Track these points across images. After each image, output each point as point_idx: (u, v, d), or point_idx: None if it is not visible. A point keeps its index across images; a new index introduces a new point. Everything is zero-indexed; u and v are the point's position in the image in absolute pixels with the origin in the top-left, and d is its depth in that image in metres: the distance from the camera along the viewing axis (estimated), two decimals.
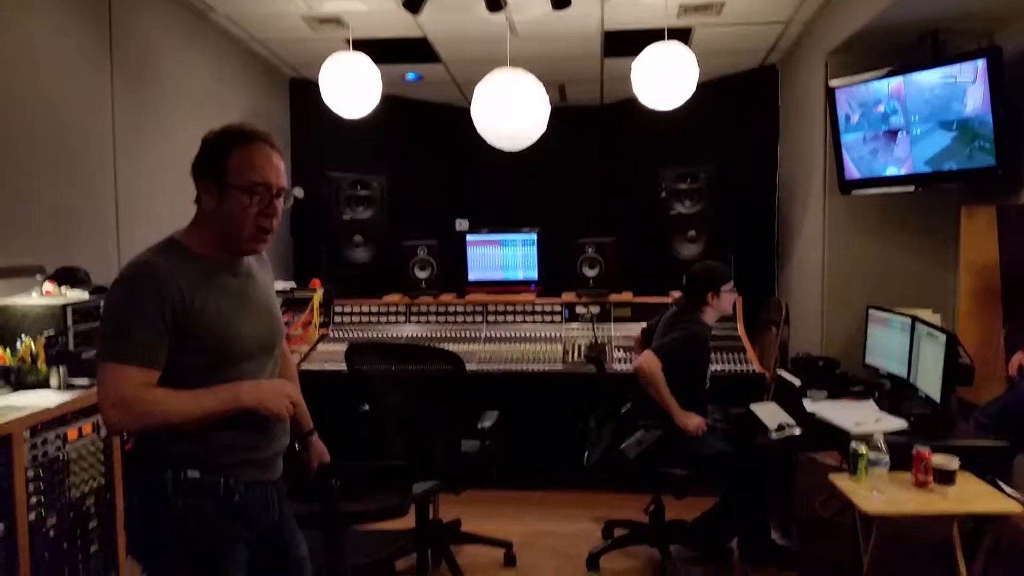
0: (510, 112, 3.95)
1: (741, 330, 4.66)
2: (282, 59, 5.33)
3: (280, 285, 5.04)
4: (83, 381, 2.92)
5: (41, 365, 2.87)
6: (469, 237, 5.16)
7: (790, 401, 3.50)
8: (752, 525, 3.44)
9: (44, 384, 2.86)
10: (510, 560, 3.60)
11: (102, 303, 1.75)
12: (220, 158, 1.82)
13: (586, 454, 3.56)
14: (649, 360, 3.31)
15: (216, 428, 1.75)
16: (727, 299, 3.50)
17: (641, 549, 3.59)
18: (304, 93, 5.54)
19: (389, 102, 4.79)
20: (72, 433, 2.77)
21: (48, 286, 3.11)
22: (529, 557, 3.64)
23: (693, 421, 3.35)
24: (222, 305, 1.79)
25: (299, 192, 5.49)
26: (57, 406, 2.69)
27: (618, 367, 4.30)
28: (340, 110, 4.36)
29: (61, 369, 2.87)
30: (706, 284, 3.45)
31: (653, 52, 3.97)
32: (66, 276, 3.21)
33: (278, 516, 1.92)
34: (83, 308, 3.05)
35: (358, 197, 5.12)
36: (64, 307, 2.96)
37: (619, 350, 4.53)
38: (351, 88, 4.24)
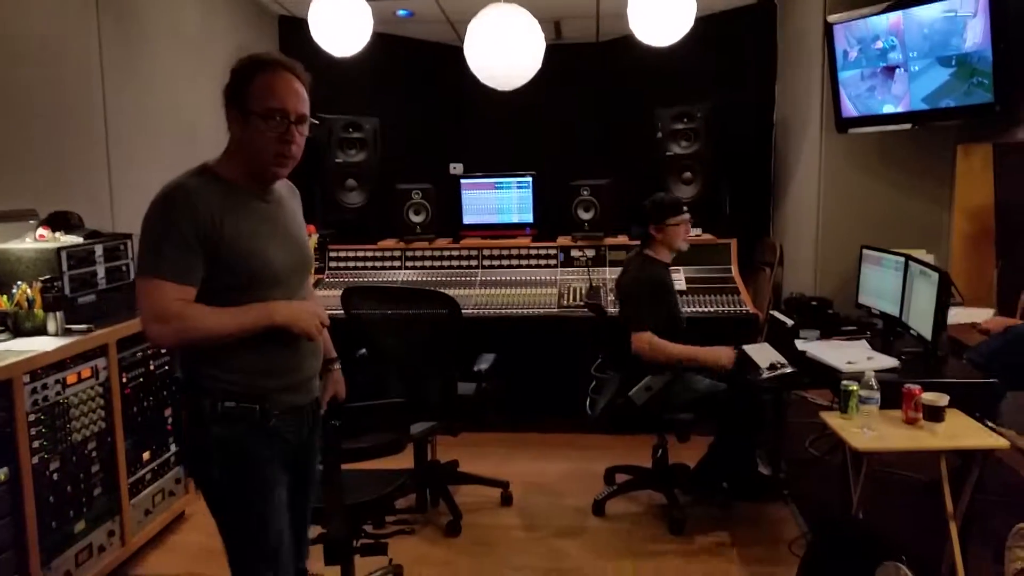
0: (504, 50, 3.88)
1: (735, 271, 4.67)
2: None
3: None
4: (80, 326, 2.93)
5: (38, 310, 2.88)
6: (463, 180, 5.12)
7: (782, 341, 3.52)
8: (741, 461, 3.49)
9: (42, 330, 2.87)
10: (507, 499, 3.67)
11: (142, 224, 1.82)
12: (243, 85, 1.85)
13: (588, 402, 3.59)
14: (638, 341, 3.30)
15: (250, 354, 1.84)
16: (674, 232, 3.44)
17: (643, 493, 3.63)
18: (293, 31, 5.41)
19: (380, 41, 4.69)
20: (71, 377, 2.80)
21: (42, 231, 3.10)
22: (526, 497, 3.72)
23: (723, 354, 3.37)
24: (252, 229, 1.85)
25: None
26: (55, 350, 2.71)
27: (613, 310, 4.32)
28: (330, 48, 4.27)
29: (58, 314, 2.88)
30: (648, 217, 3.44)
31: None
32: (59, 221, 3.19)
33: (307, 435, 2.02)
34: (78, 253, 3.04)
35: (350, 139, 5.05)
36: (59, 251, 2.95)
37: (614, 293, 4.54)
38: (341, 25, 4.14)
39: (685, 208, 3.56)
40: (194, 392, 1.86)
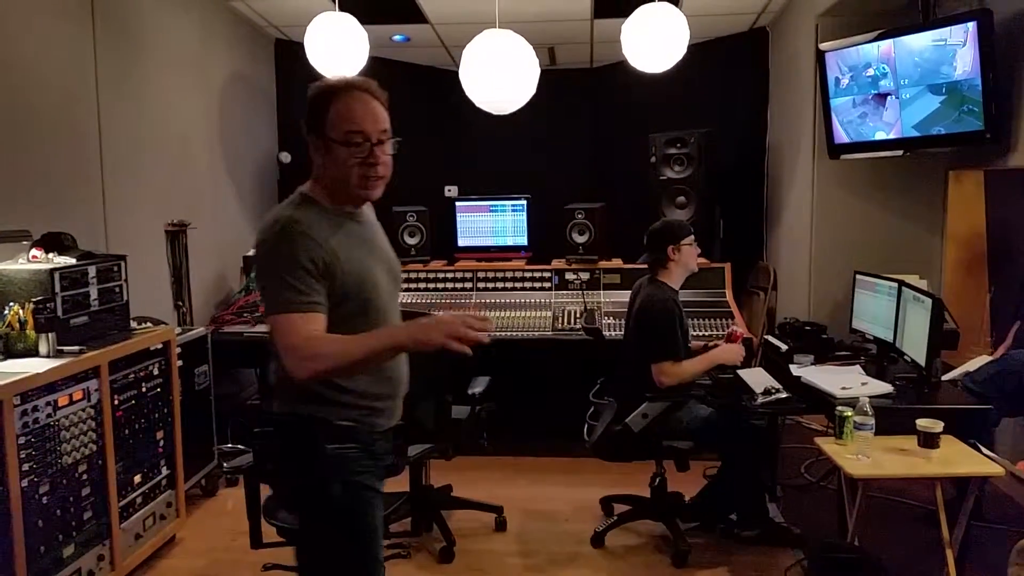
0: (499, 75, 3.91)
1: (729, 296, 4.68)
2: (267, 19, 5.24)
3: None
4: (72, 348, 2.91)
5: (30, 332, 2.86)
6: (459, 203, 5.14)
7: (777, 366, 3.53)
8: (747, 497, 3.43)
9: (33, 351, 2.85)
10: (501, 525, 3.64)
11: (257, 262, 1.86)
12: (320, 113, 1.85)
13: (587, 428, 3.56)
14: (659, 372, 3.27)
15: (363, 376, 1.86)
16: (689, 253, 3.44)
17: (643, 524, 3.57)
18: (290, 54, 5.46)
19: (377, 64, 4.72)
20: (63, 399, 2.77)
21: (35, 252, 3.09)
22: (521, 523, 3.68)
23: (734, 351, 3.40)
24: (356, 253, 1.87)
25: (285, 157, 5.44)
26: (47, 372, 2.69)
27: (608, 334, 4.32)
28: (326, 71, 4.29)
29: (50, 336, 2.86)
30: (666, 239, 3.42)
31: (643, 13, 3.92)
32: (53, 242, 3.18)
33: (390, 460, 2.03)
34: (71, 274, 3.03)
35: None
36: (52, 272, 2.93)
37: (608, 317, 4.55)
38: (337, 49, 4.17)
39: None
40: (307, 413, 1.86)
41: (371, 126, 1.84)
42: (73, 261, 3.12)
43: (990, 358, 3.68)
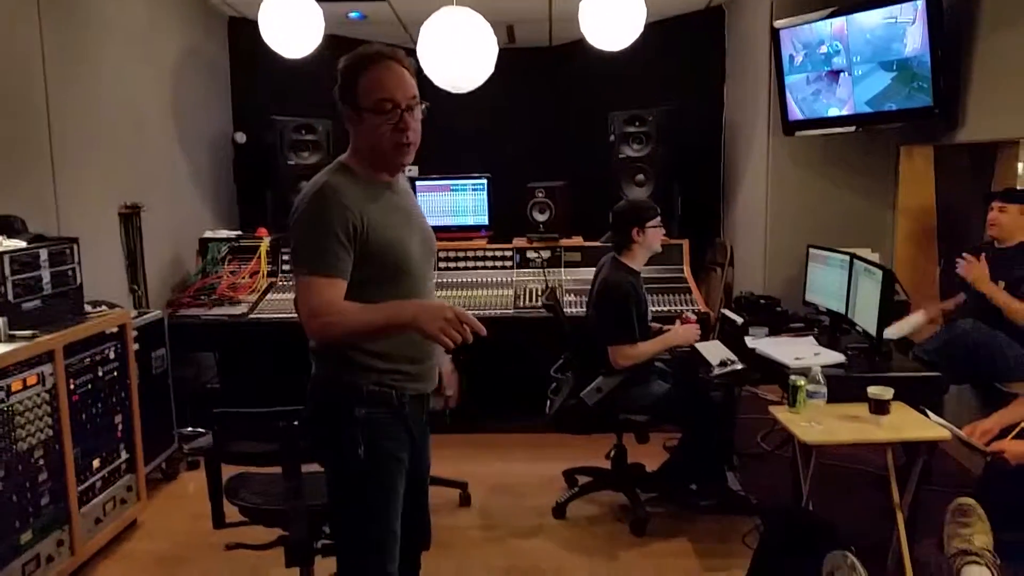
0: (457, 54, 3.89)
1: (687, 272, 4.74)
2: None
3: (225, 233, 4.95)
4: (25, 332, 2.86)
5: None
6: (419, 183, 5.11)
7: (733, 339, 3.59)
8: (707, 468, 3.50)
9: None
10: (466, 500, 3.67)
11: (291, 223, 1.91)
12: (351, 84, 1.92)
13: (548, 403, 3.60)
14: (615, 354, 3.32)
15: (394, 339, 1.90)
16: (653, 235, 3.46)
17: (603, 494, 3.63)
18: (243, 32, 5.35)
19: (333, 42, 4.65)
20: (16, 384, 2.73)
21: None
22: (485, 498, 3.72)
23: (689, 332, 3.46)
24: (390, 221, 1.93)
25: (240, 137, 5.36)
26: None
27: (569, 311, 4.35)
28: (281, 50, 4.23)
29: (1, 320, 2.81)
30: (631, 221, 3.44)
31: None
32: (2, 225, 3.11)
33: (424, 422, 2.09)
34: (21, 258, 2.97)
35: (303, 142, 5.01)
36: (1, 256, 2.87)
37: (570, 294, 4.59)
38: (291, 27, 4.11)
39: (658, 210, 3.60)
40: (339, 378, 1.93)
41: (400, 93, 1.90)
42: (23, 244, 3.05)
43: (921, 317, 3.79)
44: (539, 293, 4.57)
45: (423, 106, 1.96)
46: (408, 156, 1.96)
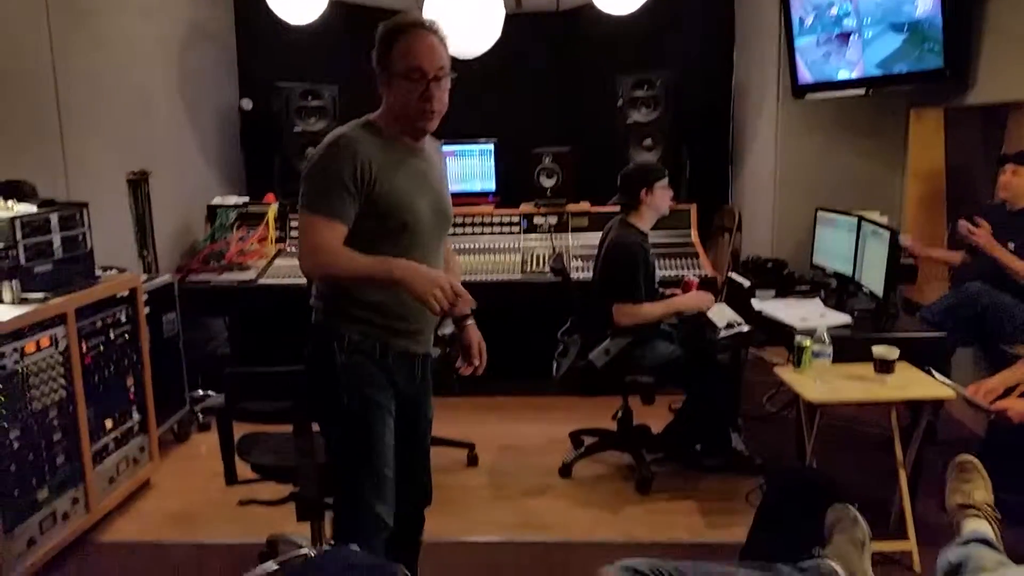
0: (464, 18, 3.87)
1: (695, 236, 4.74)
2: None
3: (233, 200, 4.96)
4: (37, 295, 2.89)
5: None
6: (441, 149, 5.09)
7: (740, 302, 3.60)
8: (712, 429, 3.53)
9: None
10: (473, 460, 3.72)
11: (306, 166, 2.02)
12: (386, 50, 2.00)
13: (555, 365, 3.63)
14: (618, 312, 3.33)
15: (384, 296, 2.01)
16: (661, 196, 3.47)
17: (610, 455, 3.67)
18: (250, 0, 5.32)
19: (338, 8, 4.64)
20: (30, 346, 2.77)
21: None
22: (492, 457, 3.77)
23: (703, 299, 3.47)
24: (404, 182, 2.01)
25: (247, 104, 5.35)
26: (12, 319, 2.68)
27: (576, 275, 4.36)
28: (286, 16, 4.22)
29: (14, 283, 2.84)
30: (639, 182, 3.45)
31: None
32: (12, 190, 3.12)
33: (420, 382, 2.20)
34: (32, 222, 2.98)
35: (309, 108, 4.99)
36: (12, 221, 2.89)
37: (577, 259, 4.59)
38: None
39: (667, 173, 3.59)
40: (325, 332, 2.05)
41: (429, 63, 1.97)
42: (34, 209, 3.07)
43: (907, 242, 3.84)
44: (546, 258, 4.58)
45: (452, 75, 2.03)
46: (431, 123, 2.04)
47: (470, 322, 2.30)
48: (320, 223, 1.92)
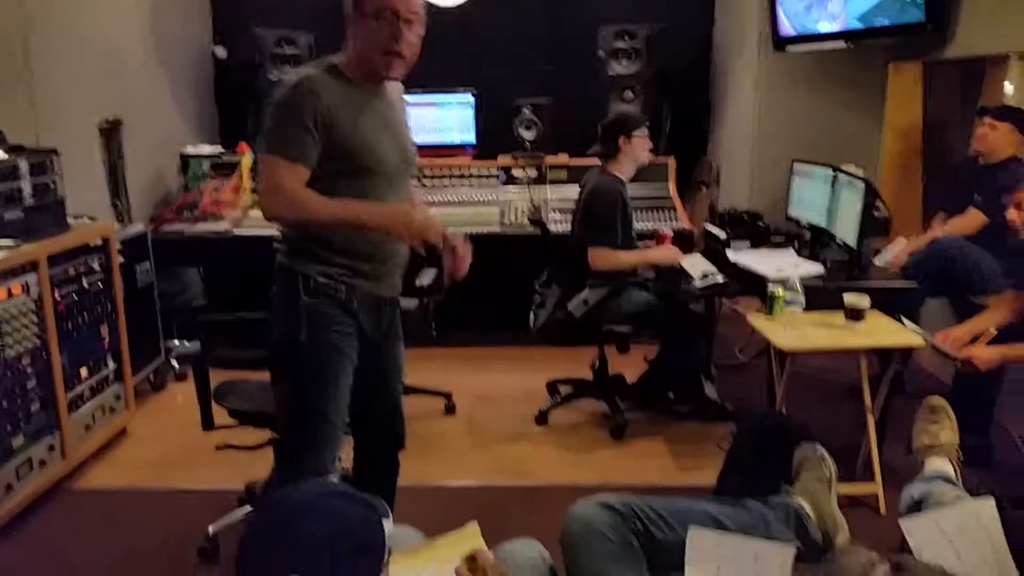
0: None
1: (672, 190, 4.74)
2: None
3: (207, 150, 4.89)
4: (7, 242, 2.85)
5: None
6: (404, 98, 5.03)
7: (715, 253, 3.63)
8: (685, 377, 3.60)
9: None
10: (450, 409, 3.76)
11: (268, 108, 1.99)
12: None
13: (532, 317, 3.65)
14: (593, 256, 3.35)
15: (350, 239, 2.01)
16: (640, 145, 3.50)
17: (585, 404, 3.73)
18: None
19: None
20: (1, 293, 2.73)
21: None
22: (469, 406, 3.81)
23: (675, 252, 3.50)
24: (366, 123, 2.00)
25: (221, 51, 5.24)
26: None
27: (554, 228, 4.36)
28: None
29: None
30: (618, 130, 3.47)
31: None
32: None
33: (387, 328, 2.19)
34: (0, 168, 2.93)
35: (284, 55, 4.90)
36: None
37: (555, 212, 4.59)
38: None
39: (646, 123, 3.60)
40: (289, 273, 2.04)
41: (402, 5, 1.94)
42: (2, 155, 3.02)
43: (905, 244, 3.82)
44: (524, 211, 4.57)
45: (423, 25, 2.00)
46: (395, 70, 2.01)
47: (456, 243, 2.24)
48: (280, 164, 1.91)
